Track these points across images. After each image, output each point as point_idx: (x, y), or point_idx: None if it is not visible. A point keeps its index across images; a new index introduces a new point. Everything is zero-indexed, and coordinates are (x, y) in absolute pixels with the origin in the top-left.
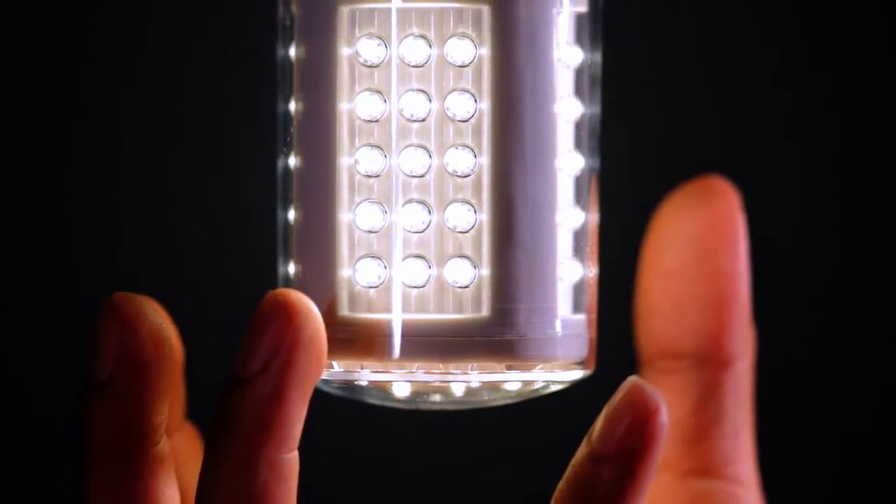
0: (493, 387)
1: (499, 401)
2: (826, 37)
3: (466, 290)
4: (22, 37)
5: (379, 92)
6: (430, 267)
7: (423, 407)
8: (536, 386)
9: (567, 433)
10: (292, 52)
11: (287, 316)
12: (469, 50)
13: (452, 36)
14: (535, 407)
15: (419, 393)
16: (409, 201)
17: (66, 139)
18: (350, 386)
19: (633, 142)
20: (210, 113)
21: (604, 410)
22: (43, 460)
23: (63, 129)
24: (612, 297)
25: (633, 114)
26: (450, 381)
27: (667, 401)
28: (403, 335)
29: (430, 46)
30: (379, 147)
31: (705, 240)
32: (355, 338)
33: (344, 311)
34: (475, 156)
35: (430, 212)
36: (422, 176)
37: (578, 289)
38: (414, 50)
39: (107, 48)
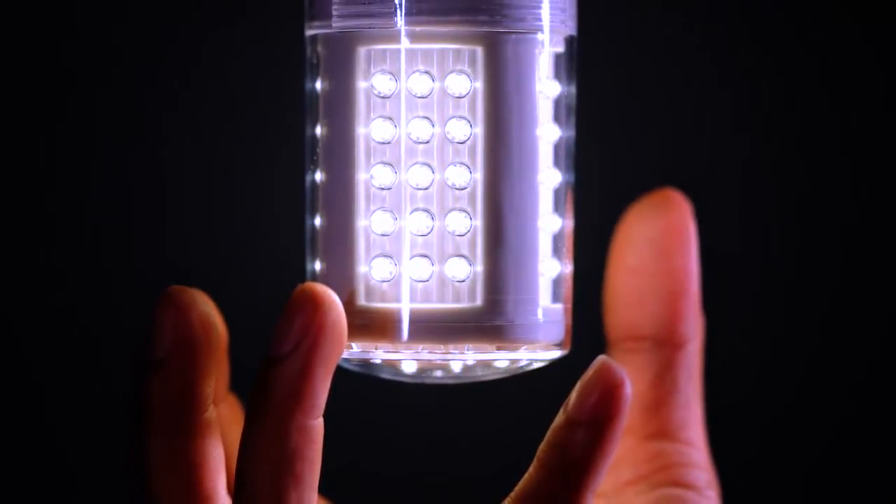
0: (486, 364)
1: (490, 376)
2: (770, 68)
3: (463, 283)
4: (86, 64)
5: (390, 118)
6: (433, 264)
7: (427, 381)
8: (521, 363)
9: (547, 403)
10: (318, 85)
11: (314, 305)
12: (465, 84)
13: (451, 72)
14: (521, 381)
15: (424, 369)
16: (416, 209)
17: (130, 162)
18: (366, 364)
19: (602, 160)
20: (251, 136)
21: (578, 384)
22: (110, 428)
23: (126, 155)
24: (584, 289)
25: (601, 136)
26: (449, 360)
27: (630, 376)
28: (411, 321)
29: (433, 80)
30: (390, 164)
31: (662, 242)
32: (371, 323)
33: (361, 301)
34: (470, 172)
35: (432, 218)
36: (426, 188)
37: (556, 283)
38: (419, 83)
39: (171, 77)
